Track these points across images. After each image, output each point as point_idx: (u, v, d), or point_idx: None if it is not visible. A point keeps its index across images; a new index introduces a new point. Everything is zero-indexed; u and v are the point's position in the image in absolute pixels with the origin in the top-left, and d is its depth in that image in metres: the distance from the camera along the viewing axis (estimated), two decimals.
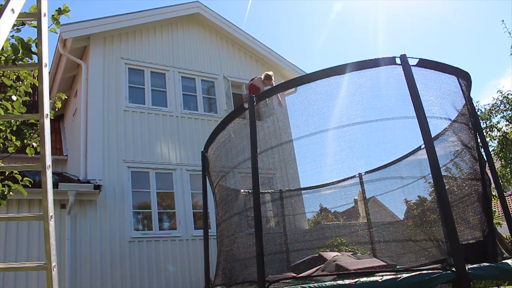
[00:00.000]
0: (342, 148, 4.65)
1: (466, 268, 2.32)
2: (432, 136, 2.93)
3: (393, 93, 3.43)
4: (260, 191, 3.40)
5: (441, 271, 2.35)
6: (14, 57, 2.23)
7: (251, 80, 9.13)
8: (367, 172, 5.77)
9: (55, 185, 7.09)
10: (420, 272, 2.39)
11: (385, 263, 3.87)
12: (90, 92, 8.70)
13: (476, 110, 6.67)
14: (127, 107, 8.92)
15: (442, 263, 2.54)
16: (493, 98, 11.54)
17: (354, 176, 5.82)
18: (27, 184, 3.06)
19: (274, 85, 5.96)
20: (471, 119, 3.38)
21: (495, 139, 11.00)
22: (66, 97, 4.41)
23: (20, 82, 2.92)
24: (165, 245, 8.24)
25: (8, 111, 2.74)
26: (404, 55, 2.94)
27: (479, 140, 3.45)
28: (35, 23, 2.07)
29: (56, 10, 2.75)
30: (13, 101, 2.76)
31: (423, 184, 4.81)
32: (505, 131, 10.96)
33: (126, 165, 8.40)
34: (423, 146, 4.65)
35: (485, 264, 2.45)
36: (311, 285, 2.70)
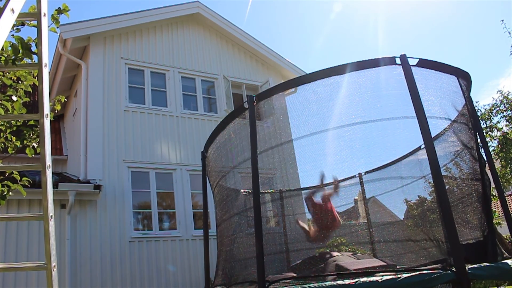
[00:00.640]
0: (342, 148, 4.65)
1: (466, 268, 2.31)
2: (432, 136, 2.92)
3: (393, 93, 3.42)
4: (260, 191, 3.40)
5: (441, 271, 2.35)
6: (14, 57, 2.22)
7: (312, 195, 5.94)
8: (367, 172, 5.76)
9: (55, 185, 7.09)
10: (420, 272, 2.39)
11: (385, 263, 3.87)
12: (90, 92, 8.70)
13: (476, 111, 6.66)
14: (127, 107, 8.92)
15: (442, 263, 2.54)
16: (493, 98, 11.55)
17: (354, 176, 5.81)
18: (26, 184, 3.06)
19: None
20: (471, 119, 3.38)
21: (495, 139, 11.00)
22: (66, 99, 4.40)
23: (20, 82, 2.92)
24: (165, 245, 8.24)
25: (8, 112, 2.73)
26: (404, 55, 2.94)
27: (479, 140, 3.45)
28: (35, 23, 2.06)
29: (55, 10, 2.75)
30: (13, 101, 2.76)
31: (423, 184, 4.80)
32: (505, 131, 10.96)
33: (126, 165, 8.40)
34: (423, 146, 4.66)
35: (485, 264, 2.45)
36: (311, 285, 2.70)
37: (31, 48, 2.33)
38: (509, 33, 10.45)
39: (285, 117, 4.47)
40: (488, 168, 3.47)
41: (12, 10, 1.61)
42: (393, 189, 5.47)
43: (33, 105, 10.87)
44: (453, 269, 2.32)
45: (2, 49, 2.19)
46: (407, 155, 5.03)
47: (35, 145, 3.16)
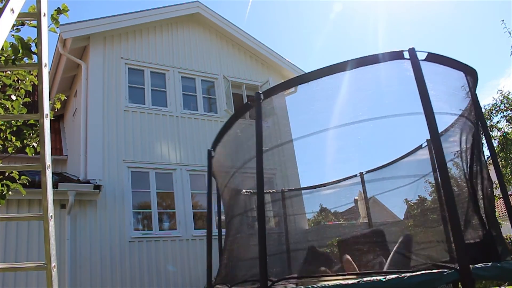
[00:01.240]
0: (341, 148, 4.64)
1: (470, 268, 2.30)
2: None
3: (396, 89, 3.40)
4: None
5: (445, 270, 2.33)
6: (14, 57, 2.21)
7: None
8: (367, 172, 5.75)
9: (55, 185, 7.08)
10: (424, 271, 2.38)
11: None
12: (90, 92, 8.69)
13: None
14: (127, 107, 8.91)
15: (445, 263, 2.53)
16: (493, 98, 11.54)
17: (355, 176, 5.80)
18: (25, 183, 3.06)
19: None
20: (476, 117, 3.35)
21: (495, 139, 11.00)
22: (66, 98, 4.39)
23: (20, 82, 2.91)
24: (165, 245, 8.23)
25: (8, 111, 2.72)
26: (413, 48, 2.85)
27: (483, 138, 3.43)
28: (34, 23, 2.05)
29: (55, 10, 2.74)
30: (13, 100, 2.75)
31: (423, 183, 4.80)
32: (506, 131, 10.96)
33: (126, 165, 8.39)
34: (424, 145, 4.64)
35: (488, 264, 2.43)
36: (313, 284, 2.68)
37: (31, 48, 2.32)
38: (509, 33, 10.43)
39: (285, 117, 4.46)
40: (492, 164, 3.45)
41: (12, 10, 1.60)
42: (393, 188, 5.46)
43: (33, 105, 10.85)
44: (457, 268, 2.31)
45: (2, 49, 2.18)
46: (407, 154, 5.02)
47: (35, 145, 3.15)
